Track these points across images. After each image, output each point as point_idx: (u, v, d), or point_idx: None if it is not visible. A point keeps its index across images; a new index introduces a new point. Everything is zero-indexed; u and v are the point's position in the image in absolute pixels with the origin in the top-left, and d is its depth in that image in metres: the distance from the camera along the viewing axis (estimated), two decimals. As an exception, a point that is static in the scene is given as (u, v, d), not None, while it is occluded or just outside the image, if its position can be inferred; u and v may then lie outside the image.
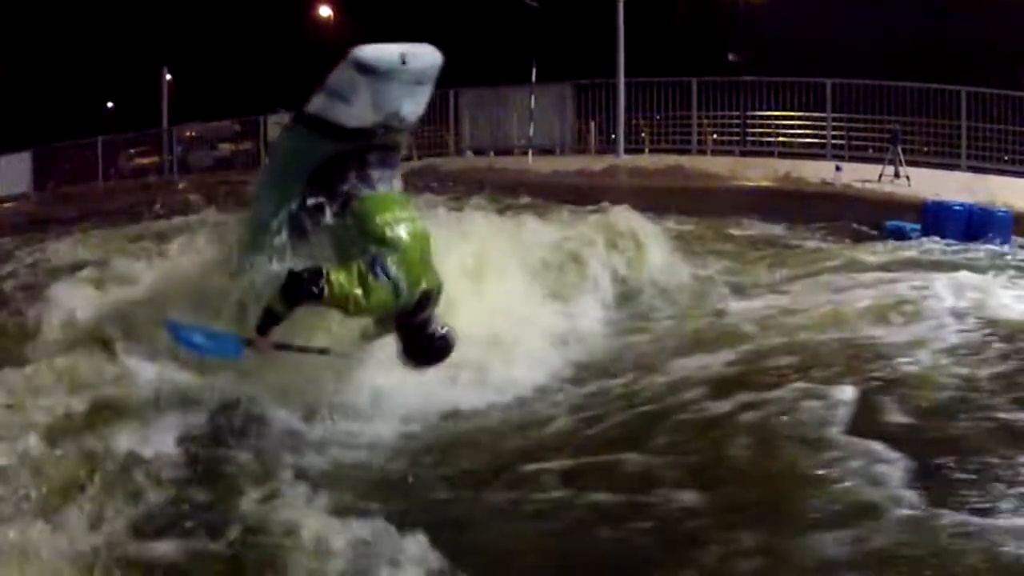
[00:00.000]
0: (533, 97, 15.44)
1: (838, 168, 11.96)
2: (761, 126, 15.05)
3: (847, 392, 3.93)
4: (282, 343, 3.85)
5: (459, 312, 4.45)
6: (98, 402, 3.96)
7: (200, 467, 3.49)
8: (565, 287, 5.91)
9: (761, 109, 14.79)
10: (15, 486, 3.17)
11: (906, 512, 2.96)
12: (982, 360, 4.40)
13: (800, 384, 4.05)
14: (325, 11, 30.47)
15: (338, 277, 3.66)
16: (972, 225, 8.63)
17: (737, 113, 15.09)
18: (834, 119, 14.14)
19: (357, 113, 4.05)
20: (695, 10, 24.10)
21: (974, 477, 3.21)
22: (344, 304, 3.71)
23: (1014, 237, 8.60)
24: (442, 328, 3.91)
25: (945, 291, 5.66)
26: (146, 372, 4.15)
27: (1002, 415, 3.76)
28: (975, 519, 2.92)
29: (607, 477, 3.28)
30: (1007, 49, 16.90)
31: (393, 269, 3.72)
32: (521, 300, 5.37)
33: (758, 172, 12.43)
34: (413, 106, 4.22)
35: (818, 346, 4.75)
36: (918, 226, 8.86)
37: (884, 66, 15.50)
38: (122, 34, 28.73)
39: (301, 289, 3.68)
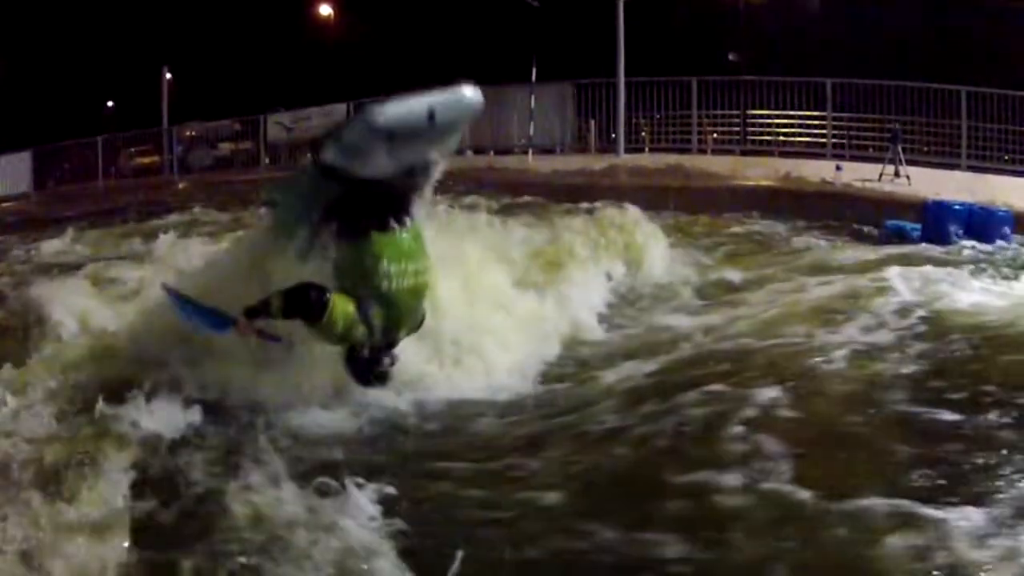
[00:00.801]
0: (533, 96, 15.45)
1: (838, 167, 11.94)
2: (761, 126, 15.05)
3: (752, 396, 4.01)
4: (263, 331, 3.92)
5: (444, 313, 4.56)
6: (94, 387, 4.06)
7: (176, 447, 3.65)
8: (553, 287, 5.91)
9: (761, 109, 14.79)
10: (18, 461, 3.37)
11: (771, 513, 3.04)
12: (902, 358, 4.52)
13: (711, 389, 4.15)
14: (325, 11, 30.50)
15: (336, 311, 3.70)
16: (972, 225, 8.61)
17: (737, 113, 15.07)
18: (834, 119, 14.13)
19: (374, 167, 3.87)
20: (695, 10, 24.09)
21: (847, 472, 3.34)
22: (326, 333, 3.79)
23: (1015, 236, 8.58)
24: (387, 364, 3.96)
25: (904, 289, 5.77)
26: (142, 361, 4.27)
27: (898, 408, 3.92)
28: (841, 508, 3.00)
29: (495, 478, 3.49)
30: (1007, 49, 16.88)
31: (376, 319, 3.78)
32: (507, 300, 5.36)
33: (758, 171, 12.43)
34: (442, 150, 4.03)
35: (751, 351, 4.85)
36: (918, 226, 8.85)
37: (884, 66, 15.49)
38: (122, 34, 28.74)
39: (304, 306, 3.72)
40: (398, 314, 3.87)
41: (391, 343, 3.96)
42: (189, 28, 28.52)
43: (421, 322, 4.10)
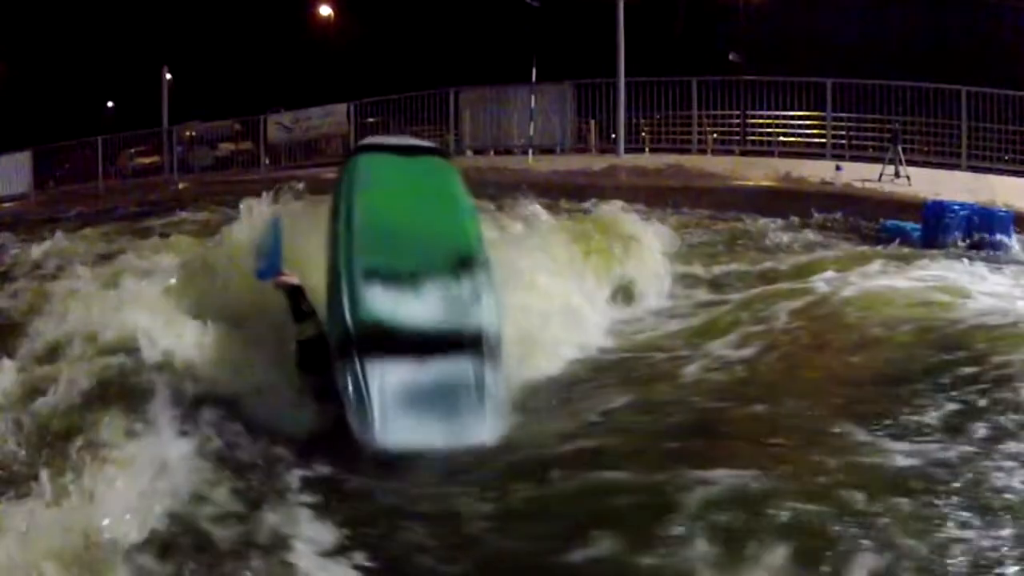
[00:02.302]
0: (533, 96, 15.45)
1: (839, 168, 11.94)
2: (761, 126, 15.04)
3: (592, 407, 4.31)
4: (291, 301, 4.15)
5: None
6: (90, 385, 4.18)
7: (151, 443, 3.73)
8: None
9: (761, 109, 14.78)
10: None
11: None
12: (753, 367, 4.82)
13: (572, 408, 4.40)
14: (325, 11, 30.52)
15: None
16: (972, 225, 8.60)
17: (737, 113, 15.08)
18: (834, 119, 14.12)
19: None
20: (695, 10, 24.08)
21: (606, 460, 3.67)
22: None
23: (1016, 236, 8.56)
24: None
25: (825, 290, 6.02)
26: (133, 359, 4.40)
27: (696, 409, 4.26)
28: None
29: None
30: (1007, 49, 16.87)
31: None
32: None
33: (758, 172, 12.44)
34: None
35: (639, 363, 5.11)
36: (919, 226, 8.84)
37: (884, 66, 15.48)
38: (122, 34, 28.75)
39: (315, 361, 4.00)
40: None
41: None
42: (189, 28, 28.53)
43: None
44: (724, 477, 3.34)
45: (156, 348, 4.39)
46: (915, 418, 3.90)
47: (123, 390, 4.07)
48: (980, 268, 6.85)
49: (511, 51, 16.78)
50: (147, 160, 20.58)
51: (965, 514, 3.08)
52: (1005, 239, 8.44)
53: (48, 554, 2.83)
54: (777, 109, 14.61)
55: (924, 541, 2.93)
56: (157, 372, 4.22)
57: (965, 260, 7.26)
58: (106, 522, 3.04)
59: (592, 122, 15.76)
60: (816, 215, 10.12)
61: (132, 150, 20.82)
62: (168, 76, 22.00)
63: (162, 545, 3.03)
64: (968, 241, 8.41)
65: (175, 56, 23.80)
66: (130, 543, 2.99)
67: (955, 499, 3.19)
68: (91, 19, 29.06)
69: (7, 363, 4.42)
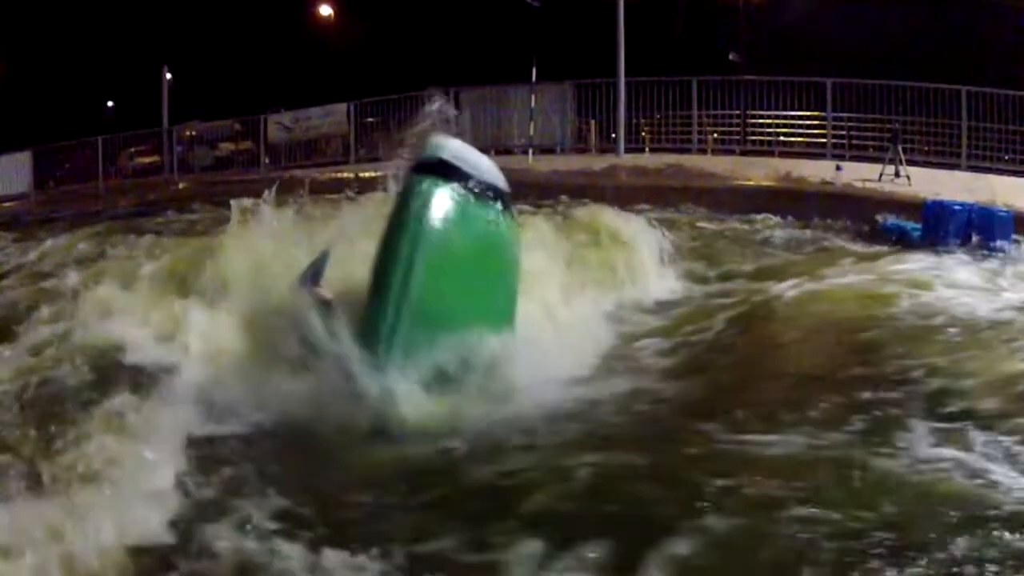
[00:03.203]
0: (534, 96, 15.45)
1: (839, 167, 11.93)
2: (761, 126, 15.04)
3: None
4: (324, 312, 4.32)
5: None
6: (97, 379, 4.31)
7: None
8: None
9: (761, 109, 14.78)
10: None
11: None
12: (666, 372, 4.97)
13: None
14: (325, 11, 30.53)
15: None
16: (972, 225, 8.59)
17: (737, 113, 15.07)
18: (834, 119, 14.11)
19: None
20: (695, 10, 24.09)
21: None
22: None
23: (1016, 236, 8.56)
24: None
25: (778, 289, 6.19)
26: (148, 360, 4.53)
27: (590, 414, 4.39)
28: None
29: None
30: (1007, 49, 16.87)
31: None
32: None
33: (758, 171, 12.44)
34: None
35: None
36: (919, 225, 8.84)
37: (884, 66, 15.47)
38: (122, 34, 28.76)
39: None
40: None
41: None
42: (189, 28, 28.54)
43: None
44: (580, 469, 3.52)
45: (146, 345, 4.44)
46: (795, 414, 4.00)
47: (114, 384, 4.11)
48: (959, 263, 6.89)
49: (511, 51, 16.77)
50: (147, 160, 20.56)
51: (816, 498, 3.18)
52: (1005, 239, 8.44)
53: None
54: (777, 109, 14.60)
55: (756, 524, 3.05)
56: (145, 367, 4.28)
57: (946, 255, 7.30)
58: (98, 504, 3.14)
59: (592, 122, 15.77)
60: (816, 215, 10.13)
61: (132, 150, 20.80)
62: (168, 76, 22.01)
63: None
64: (968, 241, 8.41)
65: (175, 56, 23.80)
66: (121, 526, 3.10)
67: (810, 485, 3.29)
68: (91, 19, 29.07)
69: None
